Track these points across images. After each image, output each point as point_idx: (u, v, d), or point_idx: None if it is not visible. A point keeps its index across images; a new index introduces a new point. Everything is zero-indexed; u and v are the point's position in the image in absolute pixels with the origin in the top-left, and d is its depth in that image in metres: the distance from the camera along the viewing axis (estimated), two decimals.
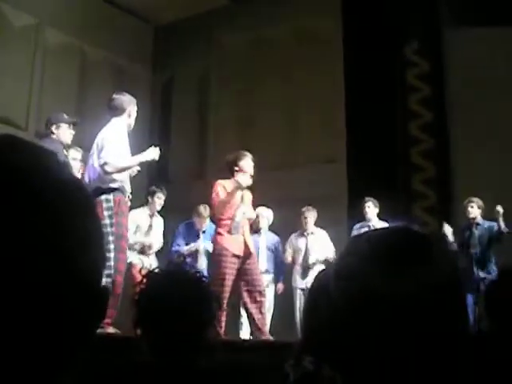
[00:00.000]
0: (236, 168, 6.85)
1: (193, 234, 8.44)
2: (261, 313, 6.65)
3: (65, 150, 6.42)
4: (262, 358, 4.03)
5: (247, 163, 6.92)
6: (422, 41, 10.00)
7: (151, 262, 7.73)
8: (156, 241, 8.09)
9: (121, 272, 5.57)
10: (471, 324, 7.45)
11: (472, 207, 8.28)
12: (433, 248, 0.99)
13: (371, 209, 8.44)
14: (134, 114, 6.02)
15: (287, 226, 9.01)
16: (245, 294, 6.69)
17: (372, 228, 7.75)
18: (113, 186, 5.66)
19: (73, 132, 6.49)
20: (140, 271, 6.43)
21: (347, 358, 0.97)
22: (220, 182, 6.86)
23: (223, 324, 6.55)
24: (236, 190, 6.75)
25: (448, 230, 8.25)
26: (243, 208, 6.85)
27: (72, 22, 10.64)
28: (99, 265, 0.71)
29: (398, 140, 9.69)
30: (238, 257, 6.66)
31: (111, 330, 5.38)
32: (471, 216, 8.29)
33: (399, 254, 0.96)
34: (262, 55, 11.25)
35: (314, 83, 10.52)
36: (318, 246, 8.66)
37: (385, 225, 7.62)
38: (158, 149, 5.90)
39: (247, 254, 6.75)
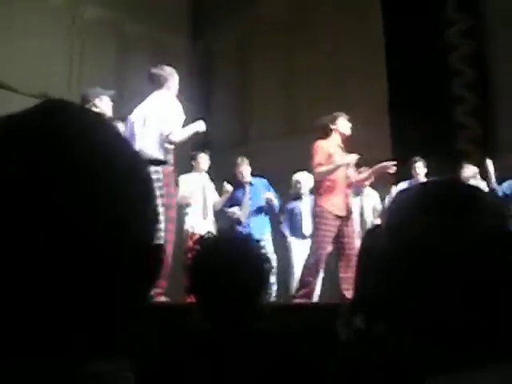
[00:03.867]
0: (333, 127, 6.76)
1: (240, 192, 8.30)
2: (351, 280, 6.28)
3: None
4: (313, 320, 4.05)
5: (344, 123, 6.83)
6: None
7: (208, 227, 7.69)
8: (212, 202, 8.07)
9: (170, 242, 5.61)
10: None
11: None
12: (481, 199, 0.99)
13: (421, 169, 8.29)
14: (175, 87, 6.03)
15: None
16: (339, 259, 6.58)
17: None
18: (162, 158, 5.70)
19: (112, 105, 6.47)
20: (192, 237, 6.41)
21: (402, 314, 0.97)
22: (319, 142, 6.72)
23: (316, 287, 6.56)
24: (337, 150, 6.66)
25: (491, 168, 8.15)
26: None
27: None
28: (150, 225, 0.74)
29: (441, 100, 9.58)
30: (339, 217, 6.54)
31: (163, 298, 5.45)
32: None
33: (449, 206, 0.96)
34: (302, 21, 11.14)
35: (354, 46, 10.41)
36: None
37: None
38: (203, 122, 5.94)
39: (348, 215, 6.65)
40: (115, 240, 0.67)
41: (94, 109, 6.23)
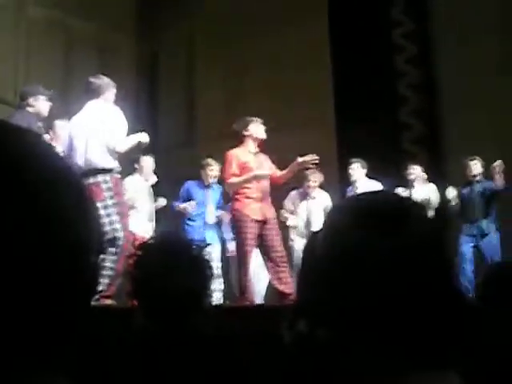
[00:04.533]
0: (246, 133, 6.69)
1: (199, 192, 8.27)
2: (282, 278, 6.46)
3: (40, 123, 6.30)
4: (257, 323, 4.06)
5: (257, 127, 6.72)
6: (407, 1, 10.01)
7: (151, 230, 7.64)
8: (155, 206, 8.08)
9: (126, 251, 5.56)
10: (469, 272, 7.47)
11: (475, 164, 8.03)
12: (411, 211, 1.02)
13: (355, 170, 8.24)
14: (112, 97, 5.92)
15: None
16: (266, 261, 6.61)
17: (358, 190, 7.73)
18: (109, 166, 5.65)
19: (50, 104, 6.40)
20: (134, 241, 6.36)
21: (336, 317, 0.99)
22: (231, 152, 6.65)
23: (250, 290, 6.55)
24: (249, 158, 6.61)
25: (452, 193, 8.15)
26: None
27: None
28: (90, 243, 0.72)
29: (386, 100, 9.69)
30: (257, 222, 6.50)
31: (108, 301, 5.42)
32: (474, 172, 8.03)
33: (381, 218, 0.99)
34: (250, 21, 11.14)
35: (301, 48, 10.45)
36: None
37: (374, 184, 7.68)
38: (146, 134, 5.86)
39: (267, 219, 6.56)
40: (49, 254, 0.66)
41: (29, 108, 6.27)
